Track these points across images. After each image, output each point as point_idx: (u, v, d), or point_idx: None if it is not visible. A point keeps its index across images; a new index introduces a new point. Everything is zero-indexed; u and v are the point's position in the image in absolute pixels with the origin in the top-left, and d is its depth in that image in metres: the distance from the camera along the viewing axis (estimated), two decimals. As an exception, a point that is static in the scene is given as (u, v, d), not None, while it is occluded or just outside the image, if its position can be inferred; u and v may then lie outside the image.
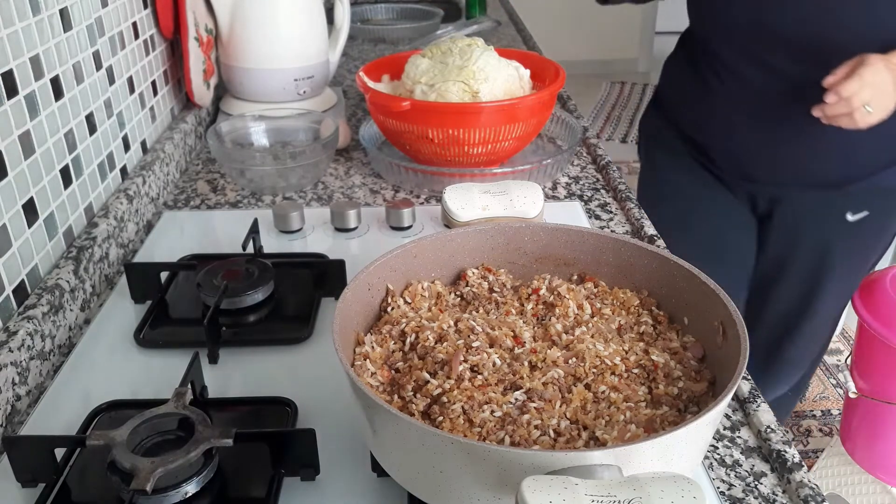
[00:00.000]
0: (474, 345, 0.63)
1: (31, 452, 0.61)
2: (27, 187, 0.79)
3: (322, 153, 1.11)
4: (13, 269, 0.76)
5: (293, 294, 0.87)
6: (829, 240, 1.26)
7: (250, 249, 0.89)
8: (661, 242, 0.95)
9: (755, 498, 0.62)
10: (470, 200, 0.95)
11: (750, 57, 1.15)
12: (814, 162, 1.19)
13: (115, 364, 0.77)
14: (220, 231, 1.03)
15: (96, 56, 0.97)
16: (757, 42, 1.13)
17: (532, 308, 0.70)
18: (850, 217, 1.23)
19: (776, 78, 1.13)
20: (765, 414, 0.69)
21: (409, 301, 0.69)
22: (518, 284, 0.73)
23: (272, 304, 0.85)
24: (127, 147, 1.06)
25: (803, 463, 0.63)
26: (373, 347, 0.64)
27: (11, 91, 0.77)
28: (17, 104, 0.78)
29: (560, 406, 0.57)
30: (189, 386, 0.66)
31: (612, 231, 0.71)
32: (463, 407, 0.57)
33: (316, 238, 1.00)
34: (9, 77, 0.76)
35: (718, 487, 0.63)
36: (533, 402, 0.57)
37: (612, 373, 0.61)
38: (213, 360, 0.76)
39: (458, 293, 0.72)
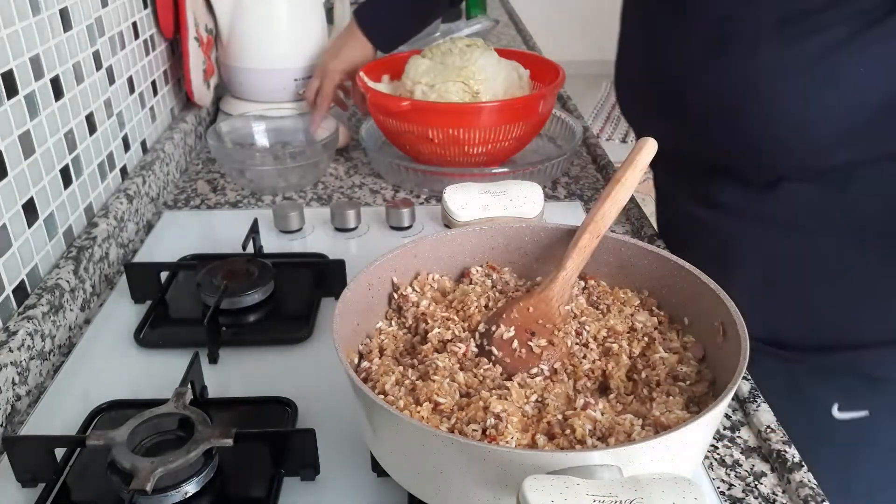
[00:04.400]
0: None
1: (31, 452, 0.61)
2: (27, 187, 0.79)
3: (322, 153, 1.11)
4: (13, 269, 0.76)
5: (293, 294, 0.87)
6: None
7: (250, 249, 0.89)
8: (660, 242, 0.95)
9: (755, 498, 0.62)
10: (470, 200, 0.95)
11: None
12: None
13: (115, 364, 0.77)
14: (220, 231, 1.03)
15: (96, 56, 0.97)
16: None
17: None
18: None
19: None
20: (765, 414, 0.69)
21: (418, 289, 0.70)
22: (521, 283, 0.73)
23: (272, 304, 0.85)
24: (127, 147, 1.06)
25: (803, 463, 0.63)
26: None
27: (11, 91, 0.77)
28: (17, 104, 0.77)
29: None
30: (189, 386, 0.66)
31: (612, 231, 0.71)
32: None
33: (316, 238, 1.00)
34: (9, 77, 0.76)
35: (718, 487, 0.63)
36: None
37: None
38: (213, 360, 0.76)
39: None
